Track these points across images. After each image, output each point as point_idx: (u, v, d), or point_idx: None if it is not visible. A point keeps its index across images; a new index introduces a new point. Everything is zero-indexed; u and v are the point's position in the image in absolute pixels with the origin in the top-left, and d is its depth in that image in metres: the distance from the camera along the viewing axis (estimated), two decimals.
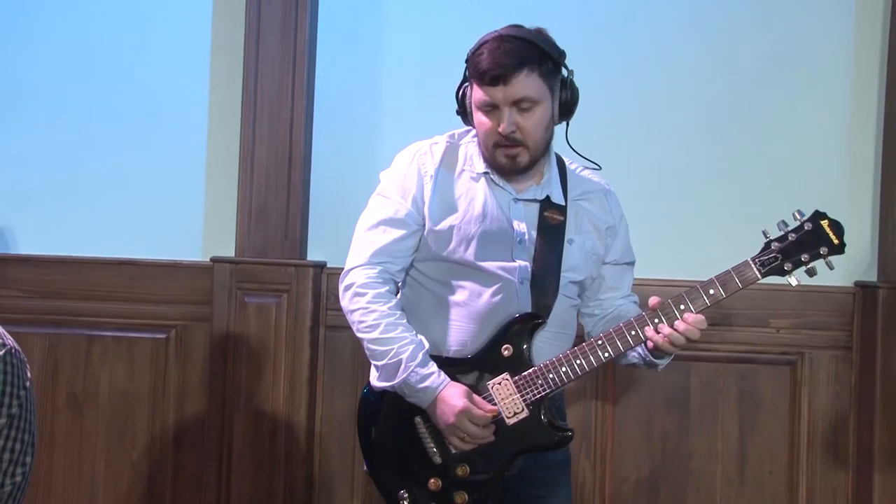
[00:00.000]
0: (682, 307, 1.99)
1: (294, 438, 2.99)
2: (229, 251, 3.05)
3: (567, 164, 2.19)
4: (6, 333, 1.70)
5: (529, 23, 2.08)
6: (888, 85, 2.97)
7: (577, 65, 2.09)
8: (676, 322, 1.97)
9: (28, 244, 3.14)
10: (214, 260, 3.03)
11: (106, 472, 3.10)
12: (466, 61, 2.04)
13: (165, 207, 3.12)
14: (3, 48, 3.17)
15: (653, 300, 2.00)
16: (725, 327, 2.97)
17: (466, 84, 2.07)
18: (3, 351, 1.64)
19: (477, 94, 2.02)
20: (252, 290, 2.99)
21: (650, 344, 2.00)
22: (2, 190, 3.16)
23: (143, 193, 3.13)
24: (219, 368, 3.00)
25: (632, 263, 2.25)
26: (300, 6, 2.99)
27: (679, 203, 3.03)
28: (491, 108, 2.00)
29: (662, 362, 2.09)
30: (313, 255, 3.07)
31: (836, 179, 3.01)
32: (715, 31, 3.03)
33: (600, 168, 2.21)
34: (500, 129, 1.99)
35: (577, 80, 2.08)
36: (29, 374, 1.70)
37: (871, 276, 2.99)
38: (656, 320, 1.99)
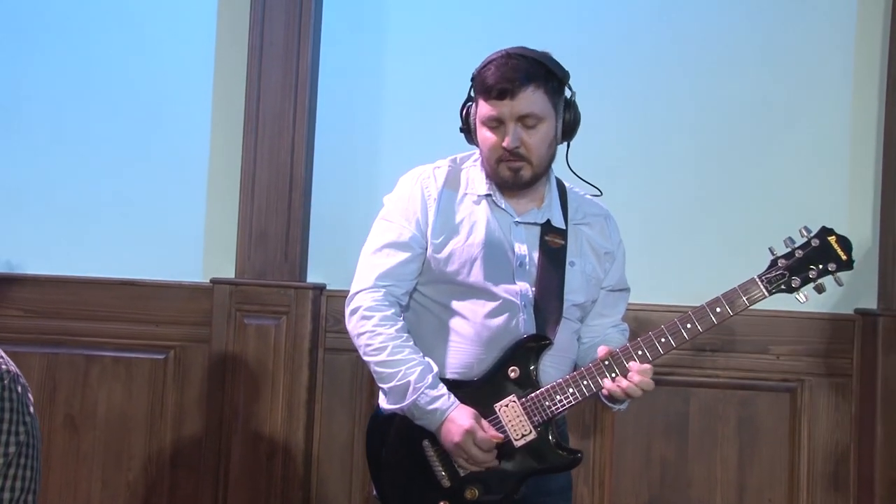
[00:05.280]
0: (688, 326, 1.97)
1: (291, 461, 2.97)
2: (229, 273, 3.05)
3: (567, 187, 2.19)
4: (8, 358, 1.67)
5: (532, 47, 2.08)
6: (887, 112, 2.98)
7: (578, 87, 2.09)
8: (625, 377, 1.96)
9: (28, 264, 3.14)
10: (214, 281, 3.03)
11: (102, 493, 3.08)
12: (472, 79, 2.07)
13: (166, 228, 3.13)
14: (5, 69, 3.19)
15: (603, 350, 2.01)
16: (725, 353, 2.96)
17: (471, 102, 2.09)
18: (8, 379, 1.62)
19: (483, 109, 2.03)
20: (251, 312, 2.99)
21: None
22: (2, 209, 3.17)
23: (145, 214, 3.14)
24: (217, 390, 3.00)
25: (626, 290, 2.24)
26: (302, 31, 3.02)
27: (680, 226, 3.03)
28: (497, 124, 2.02)
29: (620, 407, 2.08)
30: (313, 277, 3.07)
31: (836, 207, 3.00)
32: (717, 54, 3.04)
33: (601, 194, 2.21)
34: (504, 144, 2.00)
35: (579, 103, 2.09)
36: (31, 399, 1.68)
37: (872, 304, 2.99)
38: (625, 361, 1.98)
